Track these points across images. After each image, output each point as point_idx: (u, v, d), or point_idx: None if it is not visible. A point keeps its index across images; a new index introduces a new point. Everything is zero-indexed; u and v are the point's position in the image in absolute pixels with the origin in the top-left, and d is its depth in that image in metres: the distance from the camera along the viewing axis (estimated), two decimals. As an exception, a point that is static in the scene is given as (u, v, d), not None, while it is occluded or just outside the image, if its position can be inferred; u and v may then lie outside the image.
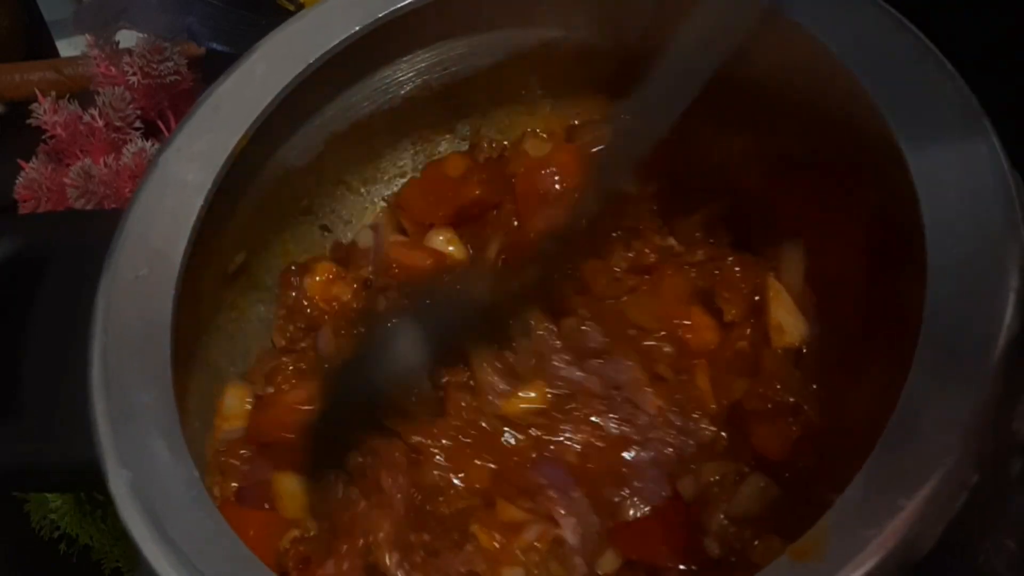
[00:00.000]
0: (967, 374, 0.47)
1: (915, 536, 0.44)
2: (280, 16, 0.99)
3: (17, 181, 0.94)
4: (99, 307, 0.58)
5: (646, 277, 0.69)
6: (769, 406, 0.61)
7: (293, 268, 0.76)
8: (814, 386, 0.62)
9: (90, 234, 0.62)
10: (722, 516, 0.59)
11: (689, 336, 0.67)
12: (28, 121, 0.96)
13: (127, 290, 0.59)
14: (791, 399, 0.61)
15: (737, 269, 0.68)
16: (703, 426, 0.64)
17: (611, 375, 0.65)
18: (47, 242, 0.65)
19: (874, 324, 0.63)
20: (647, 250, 0.70)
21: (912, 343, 0.48)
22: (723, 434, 0.63)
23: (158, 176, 0.63)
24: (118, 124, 0.96)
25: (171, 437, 0.55)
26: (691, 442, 0.63)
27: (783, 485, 0.59)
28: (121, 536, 0.83)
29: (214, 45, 1.02)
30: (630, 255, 0.70)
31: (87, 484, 0.55)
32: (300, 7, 1.00)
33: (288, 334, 0.74)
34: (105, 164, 0.94)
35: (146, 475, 0.53)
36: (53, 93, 0.96)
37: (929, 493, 0.45)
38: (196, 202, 0.61)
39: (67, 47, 1.13)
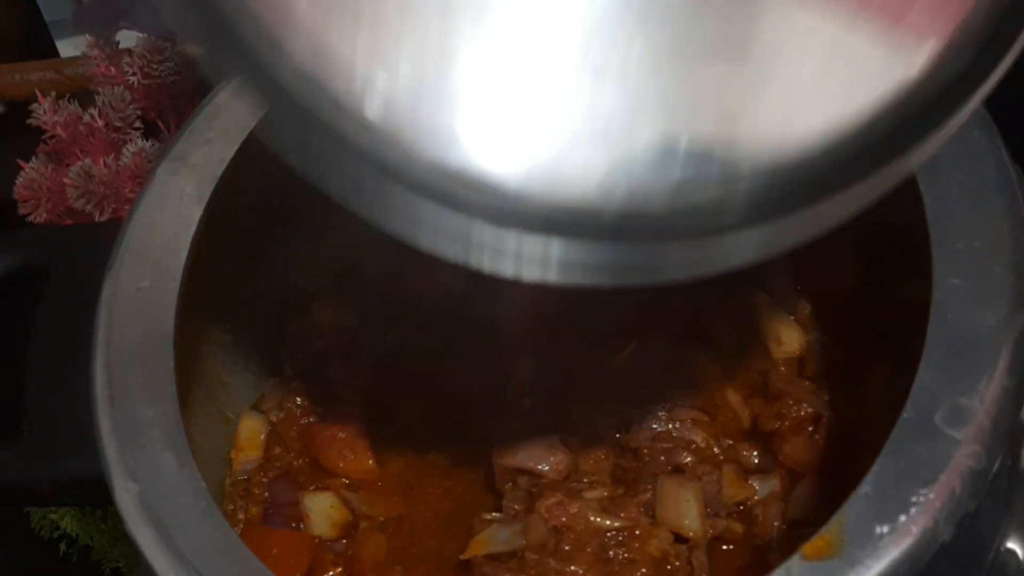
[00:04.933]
0: (976, 368, 0.47)
1: (930, 530, 0.45)
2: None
3: (17, 181, 0.94)
4: (101, 320, 0.58)
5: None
6: (786, 423, 0.61)
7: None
8: (826, 396, 0.62)
9: (93, 246, 0.62)
10: (777, 523, 0.60)
11: (696, 376, 0.66)
12: (28, 121, 0.96)
13: (129, 303, 0.59)
14: (808, 410, 0.62)
15: (722, 296, 0.68)
16: (744, 452, 0.64)
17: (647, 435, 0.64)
18: (51, 255, 0.65)
19: (875, 323, 0.64)
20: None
21: (919, 339, 0.49)
22: (754, 453, 0.64)
23: (157, 187, 0.63)
24: (118, 124, 0.96)
25: (177, 450, 0.55)
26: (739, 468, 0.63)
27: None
28: (121, 536, 0.83)
29: (214, 45, 1.01)
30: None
31: (95, 499, 0.56)
32: (300, 7, 1.00)
33: (298, 363, 0.75)
34: (105, 164, 0.94)
35: (153, 488, 0.53)
36: (53, 93, 0.96)
37: (942, 487, 0.45)
38: (195, 213, 0.61)
39: (67, 47, 1.12)
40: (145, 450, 0.54)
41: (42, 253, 0.65)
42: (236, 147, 0.64)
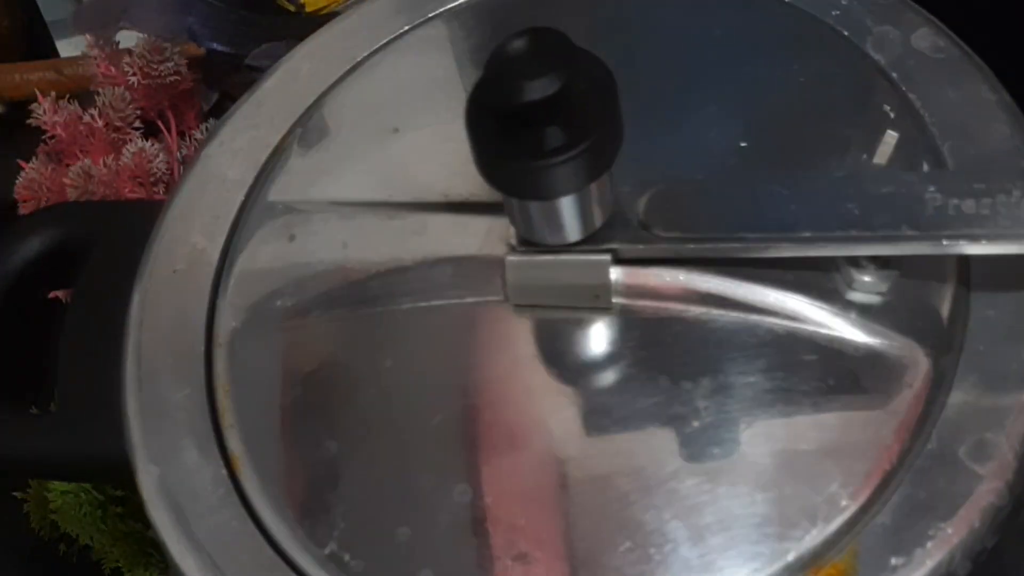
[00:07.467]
0: (1006, 402, 0.46)
1: (945, 564, 0.44)
2: (280, 16, 1.00)
3: (17, 181, 0.94)
4: (135, 300, 0.58)
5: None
6: None
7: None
8: None
9: (135, 224, 0.62)
10: None
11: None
12: (28, 121, 0.96)
13: (164, 284, 0.59)
14: None
15: None
16: None
17: None
18: (92, 230, 0.64)
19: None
20: None
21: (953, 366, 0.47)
22: None
23: (200, 170, 0.62)
24: (118, 124, 0.96)
25: (200, 435, 0.54)
26: None
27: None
28: (121, 536, 0.83)
29: (214, 45, 1.02)
30: None
31: (121, 478, 0.55)
32: (300, 7, 1.00)
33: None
34: (105, 164, 0.94)
35: (174, 473, 0.53)
36: (53, 93, 0.96)
37: (961, 521, 0.44)
38: (236, 198, 0.61)
39: (67, 47, 1.12)
40: (168, 434, 0.54)
41: (84, 228, 0.65)
42: (281, 134, 0.63)
